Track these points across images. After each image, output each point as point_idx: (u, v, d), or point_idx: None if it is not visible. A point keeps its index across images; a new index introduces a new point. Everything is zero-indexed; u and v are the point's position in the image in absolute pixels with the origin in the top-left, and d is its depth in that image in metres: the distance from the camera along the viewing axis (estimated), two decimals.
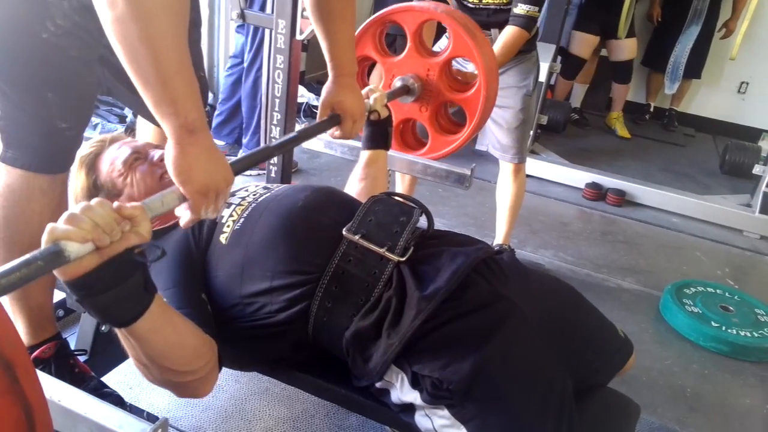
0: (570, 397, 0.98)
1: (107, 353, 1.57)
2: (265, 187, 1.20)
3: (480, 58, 1.59)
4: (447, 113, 1.78)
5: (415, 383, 0.96)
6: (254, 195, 1.15)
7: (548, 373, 0.98)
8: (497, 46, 2.09)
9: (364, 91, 1.38)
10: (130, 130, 1.50)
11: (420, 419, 0.98)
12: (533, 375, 0.96)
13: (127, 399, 1.52)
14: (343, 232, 1.05)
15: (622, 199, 3.48)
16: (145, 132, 1.51)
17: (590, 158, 4.09)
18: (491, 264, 1.10)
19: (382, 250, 1.02)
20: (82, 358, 1.43)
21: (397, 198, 1.15)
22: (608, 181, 3.56)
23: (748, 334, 2.25)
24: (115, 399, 1.37)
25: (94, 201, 0.75)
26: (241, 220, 1.09)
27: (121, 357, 1.65)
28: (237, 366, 1.12)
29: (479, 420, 0.92)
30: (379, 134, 1.45)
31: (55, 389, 0.83)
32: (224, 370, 1.05)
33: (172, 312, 0.90)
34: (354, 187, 1.44)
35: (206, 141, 0.88)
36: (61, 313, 1.55)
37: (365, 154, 1.46)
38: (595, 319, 1.18)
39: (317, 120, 1.30)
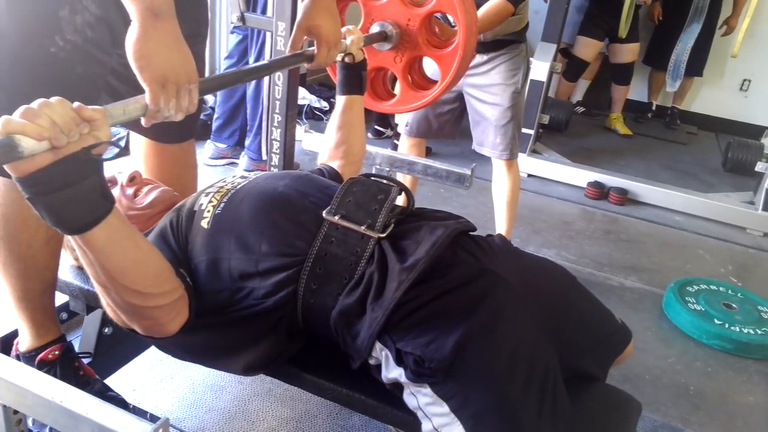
0: (555, 374, 0.97)
1: (110, 356, 1.58)
2: (242, 176, 1.20)
3: (463, 16, 1.55)
4: (421, 68, 1.74)
5: (399, 360, 0.96)
6: (232, 183, 1.16)
7: (532, 349, 0.98)
8: (479, 12, 2.05)
9: (342, 30, 1.37)
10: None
11: (407, 398, 0.99)
12: (516, 351, 0.96)
13: (131, 401, 1.53)
14: (323, 214, 1.06)
15: (624, 197, 3.47)
16: (137, 145, 1.51)
17: (592, 157, 4.09)
18: (481, 243, 1.11)
19: (362, 228, 1.03)
20: (85, 361, 1.43)
21: (374, 178, 1.16)
22: (610, 179, 3.56)
23: (752, 332, 2.25)
24: (118, 402, 1.37)
25: (54, 99, 0.73)
26: (221, 204, 1.09)
27: (125, 359, 1.68)
28: (240, 370, 1.11)
29: (461, 397, 0.93)
30: (354, 78, 1.43)
31: (56, 390, 0.83)
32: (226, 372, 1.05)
33: (133, 229, 0.89)
34: (332, 136, 1.43)
35: (171, 28, 0.86)
36: (64, 316, 1.56)
37: (341, 100, 1.44)
38: (588, 300, 1.18)
39: (291, 39, 1.29)
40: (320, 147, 1.48)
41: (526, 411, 0.92)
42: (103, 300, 0.93)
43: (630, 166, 4.04)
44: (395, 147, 3.50)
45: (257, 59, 3.08)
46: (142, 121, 0.90)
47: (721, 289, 2.52)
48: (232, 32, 3.32)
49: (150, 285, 0.91)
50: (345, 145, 1.43)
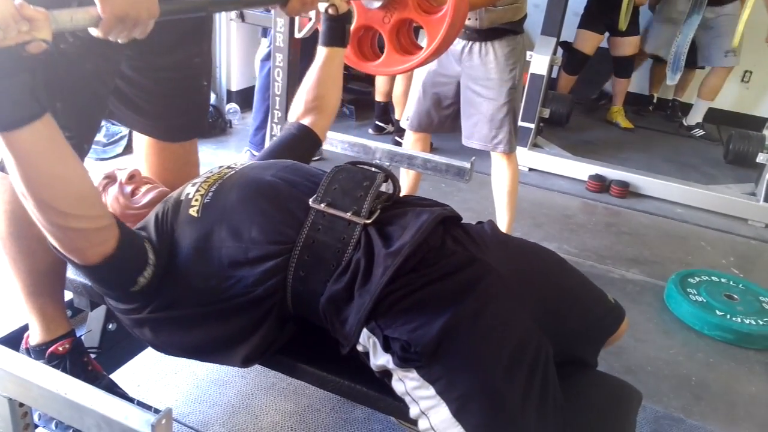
0: (547, 361, 0.98)
1: (114, 351, 1.59)
2: (228, 166, 1.21)
3: None
4: (410, 32, 1.71)
5: (386, 347, 0.97)
6: (219, 174, 1.16)
7: (520, 333, 0.98)
8: None
9: None
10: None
11: (395, 384, 1.00)
12: (503, 335, 0.97)
13: (135, 396, 1.54)
14: (310, 202, 1.07)
15: (625, 190, 3.47)
16: (140, 144, 1.52)
17: (593, 150, 4.09)
18: (470, 231, 1.12)
19: (347, 215, 1.04)
20: (93, 356, 1.44)
21: (360, 165, 1.16)
22: (612, 172, 3.56)
23: (753, 322, 2.25)
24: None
25: None
26: (210, 194, 1.10)
27: (129, 355, 1.69)
28: (239, 362, 1.12)
29: (446, 380, 0.93)
30: (337, 30, 1.42)
31: (61, 382, 0.84)
32: (229, 367, 1.05)
33: (64, 146, 0.87)
34: (310, 91, 1.43)
35: None
36: (69, 313, 1.57)
37: (322, 52, 1.43)
38: (578, 281, 1.19)
39: None
40: (294, 101, 1.47)
41: (511, 393, 0.93)
42: (31, 214, 0.92)
43: (631, 158, 4.04)
44: (396, 144, 3.51)
45: (269, 52, 3.10)
46: (91, 31, 0.88)
47: (722, 280, 2.53)
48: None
49: (70, 205, 0.89)
50: (321, 99, 1.43)
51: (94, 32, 0.88)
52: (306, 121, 1.42)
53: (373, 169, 1.15)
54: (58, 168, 0.86)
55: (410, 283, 0.99)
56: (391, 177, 1.14)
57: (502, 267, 1.05)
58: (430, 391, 0.94)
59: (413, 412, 0.98)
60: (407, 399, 0.99)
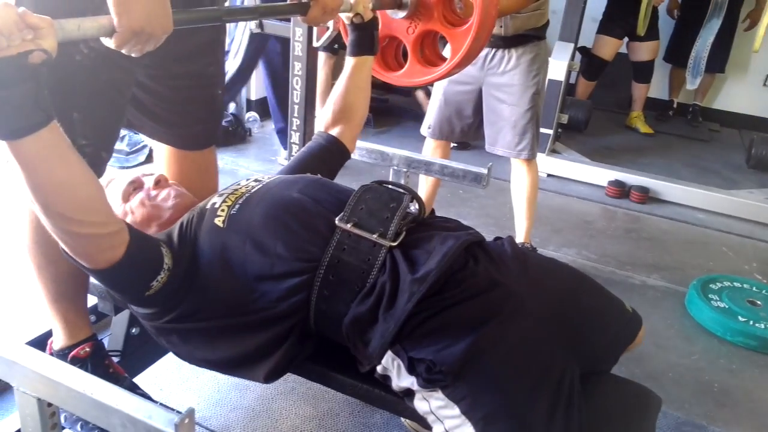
0: (572, 383, 0.98)
1: (137, 356, 1.62)
2: (256, 179, 1.22)
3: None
4: (435, 44, 1.70)
5: (411, 369, 0.98)
6: (246, 187, 1.17)
7: (546, 357, 0.99)
8: None
9: None
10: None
11: (418, 403, 1.01)
12: (528, 357, 0.97)
13: (158, 399, 1.57)
14: (336, 222, 1.07)
15: (645, 196, 3.45)
16: (159, 153, 1.55)
17: (613, 156, 4.06)
18: (491, 252, 1.12)
19: (374, 237, 1.04)
20: (115, 360, 1.47)
21: (387, 185, 1.17)
22: (631, 178, 3.54)
23: None
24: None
25: None
26: (237, 206, 1.11)
27: (151, 359, 1.72)
28: (261, 378, 1.12)
29: (471, 399, 0.94)
30: (365, 39, 1.42)
31: (87, 383, 0.86)
32: None
33: (70, 153, 0.87)
34: (338, 101, 1.43)
35: None
36: (93, 318, 1.61)
37: (351, 62, 1.43)
38: (599, 299, 1.19)
39: None
40: (322, 111, 1.47)
41: (537, 414, 0.93)
42: (43, 221, 0.93)
43: (651, 164, 4.00)
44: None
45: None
46: (104, 41, 0.88)
47: (745, 286, 2.49)
48: None
49: (76, 211, 0.90)
50: (350, 109, 1.44)
51: (108, 42, 0.89)
52: (335, 132, 1.43)
53: (400, 189, 1.15)
54: (62, 175, 0.86)
55: (434, 306, 0.99)
56: (416, 198, 1.14)
57: (523, 290, 1.06)
58: (455, 410, 0.95)
59: (437, 431, 0.99)
60: (430, 418, 1.00)
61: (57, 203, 0.88)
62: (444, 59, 1.65)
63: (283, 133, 3.37)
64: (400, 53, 1.76)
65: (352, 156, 1.90)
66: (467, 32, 1.54)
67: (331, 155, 1.42)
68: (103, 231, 0.94)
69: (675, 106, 5.01)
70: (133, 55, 0.93)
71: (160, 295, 1.05)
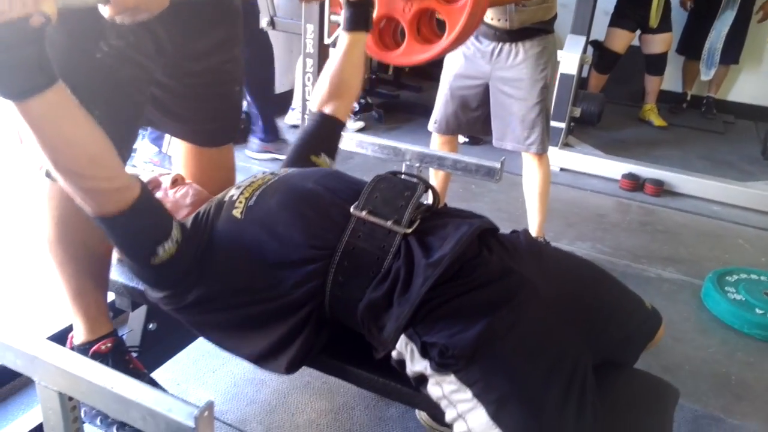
0: (586, 371, 0.98)
1: (155, 351, 1.64)
2: (272, 173, 1.24)
3: None
4: (431, 22, 1.68)
5: (424, 353, 0.98)
6: (263, 179, 1.19)
7: (559, 344, 0.99)
8: None
9: None
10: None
11: (431, 388, 1.01)
12: (541, 343, 0.98)
13: (175, 394, 1.58)
14: (351, 210, 1.09)
15: (660, 188, 3.42)
16: (177, 149, 1.57)
17: (626, 149, 4.04)
18: (506, 242, 1.13)
19: (388, 224, 1.06)
20: (134, 355, 1.49)
21: (400, 175, 1.19)
22: (646, 171, 3.51)
23: None
24: None
25: None
26: (254, 197, 1.13)
27: (169, 354, 1.74)
28: (283, 370, 1.13)
29: (483, 382, 0.94)
30: (360, 14, 1.44)
31: (108, 377, 0.87)
32: None
33: (77, 111, 0.92)
34: (332, 78, 1.44)
35: None
36: (110, 314, 1.62)
37: (345, 38, 1.45)
38: (617, 293, 1.18)
39: None
40: (316, 88, 1.48)
41: (549, 399, 0.93)
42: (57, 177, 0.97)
43: (665, 157, 3.97)
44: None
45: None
46: (100, 9, 0.92)
47: (762, 278, 2.47)
48: None
49: (84, 167, 0.94)
50: (344, 86, 1.45)
51: (104, 11, 0.92)
52: (330, 108, 1.43)
53: (414, 180, 1.16)
54: (70, 133, 0.91)
55: (448, 292, 1.00)
56: (431, 188, 1.16)
57: (537, 278, 1.06)
58: (468, 394, 0.95)
59: (450, 415, 0.99)
60: (443, 403, 1.00)
61: (66, 160, 0.93)
62: (440, 36, 1.63)
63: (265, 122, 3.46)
64: (398, 33, 1.75)
65: (364, 152, 1.91)
66: (462, 8, 1.53)
67: (329, 133, 1.44)
68: (111, 186, 0.98)
69: (689, 98, 4.97)
70: (125, 23, 0.95)
71: (168, 270, 1.07)
